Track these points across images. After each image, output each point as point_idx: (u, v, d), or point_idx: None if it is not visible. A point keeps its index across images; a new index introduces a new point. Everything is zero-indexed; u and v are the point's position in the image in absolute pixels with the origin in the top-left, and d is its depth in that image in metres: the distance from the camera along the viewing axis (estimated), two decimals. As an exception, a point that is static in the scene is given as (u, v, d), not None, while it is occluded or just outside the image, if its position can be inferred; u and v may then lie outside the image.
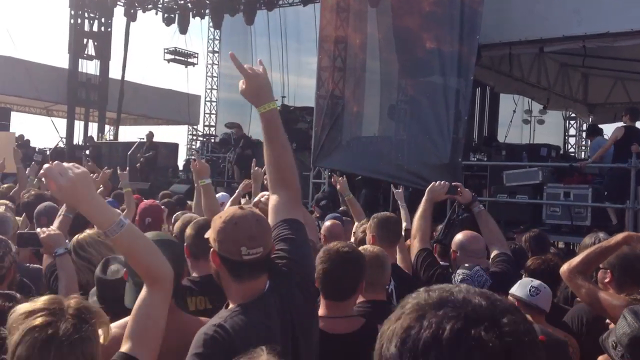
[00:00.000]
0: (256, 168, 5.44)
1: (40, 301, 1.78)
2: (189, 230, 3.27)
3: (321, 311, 2.70)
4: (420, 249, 3.86)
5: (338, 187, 6.11)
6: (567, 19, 10.43)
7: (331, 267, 2.70)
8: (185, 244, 3.28)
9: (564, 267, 3.27)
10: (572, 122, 19.09)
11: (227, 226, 2.07)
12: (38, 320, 1.71)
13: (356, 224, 5.41)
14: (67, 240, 3.31)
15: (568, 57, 13.42)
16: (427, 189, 4.18)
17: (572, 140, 19.10)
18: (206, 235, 2.21)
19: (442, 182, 4.19)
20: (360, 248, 3.27)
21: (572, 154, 17.64)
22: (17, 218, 5.03)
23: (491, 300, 0.96)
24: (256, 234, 2.07)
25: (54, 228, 3.30)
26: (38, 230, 3.26)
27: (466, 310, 0.92)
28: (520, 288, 3.29)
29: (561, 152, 14.27)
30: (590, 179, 9.67)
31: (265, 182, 5.58)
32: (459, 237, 3.78)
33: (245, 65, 2.27)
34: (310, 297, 2.29)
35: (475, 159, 12.02)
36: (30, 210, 5.18)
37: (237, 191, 6.10)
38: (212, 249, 2.13)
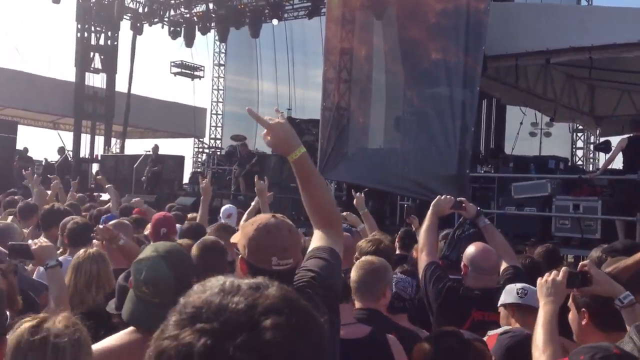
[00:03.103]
0: (260, 182, 5.53)
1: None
2: None
3: None
4: (428, 262, 3.80)
5: (355, 202, 6.15)
6: (573, 30, 10.39)
7: None
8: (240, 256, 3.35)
9: None
10: (579, 134, 19.00)
11: (260, 234, 2.01)
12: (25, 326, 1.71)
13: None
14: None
15: (574, 68, 13.36)
16: (432, 202, 4.14)
17: (579, 153, 19.02)
18: (233, 240, 2.16)
19: (447, 196, 4.15)
20: (362, 259, 3.37)
21: (580, 166, 17.52)
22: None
23: (254, 299, 0.87)
24: (288, 244, 2.03)
25: (45, 240, 3.27)
26: (30, 242, 3.23)
27: (220, 321, 0.85)
28: (507, 295, 3.26)
29: (569, 164, 14.17)
30: (599, 190, 9.58)
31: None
32: (470, 250, 3.70)
33: (265, 118, 2.23)
34: (334, 312, 2.21)
35: (483, 171, 11.95)
36: (73, 235, 4.67)
37: (252, 204, 6.11)
38: (240, 256, 2.07)
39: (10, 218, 5.37)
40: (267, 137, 2.22)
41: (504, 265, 3.81)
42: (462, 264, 3.68)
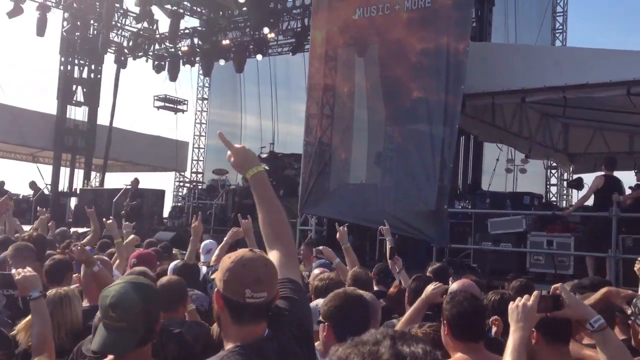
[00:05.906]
0: (244, 221, 5.68)
1: None
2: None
3: None
4: None
5: (337, 235, 6.22)
6: (548, 70, 10.66)
7: None
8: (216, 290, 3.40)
9: None
10: (553, 171, 19.39)
11: (235, 267, 2.04)
12: None
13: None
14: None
15: (549, 107, 13.67)
16: (425, 290, 4.03)
17: (553, 189, 19.39)
18: (212, 276, 2.24)
19: (437, 285, 4.04)
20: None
21: (554, 203, 17.84)
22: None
23: None
24: (263, 278, 2.04)
25: (30, 270, 3.09)
26: (13, 271, 3.10)
27: None
28: None
29: (543, 200, 14.43)
30: (572, 227, 9.78)
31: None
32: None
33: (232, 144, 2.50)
34: (309, 350, 2.24)
35: (460, 207, 12.14)
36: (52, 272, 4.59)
37: (225, 239, 6.16)
38: (216, 289, 2.10)
39: None
40: (231, 159, 2.48)
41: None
42: None
